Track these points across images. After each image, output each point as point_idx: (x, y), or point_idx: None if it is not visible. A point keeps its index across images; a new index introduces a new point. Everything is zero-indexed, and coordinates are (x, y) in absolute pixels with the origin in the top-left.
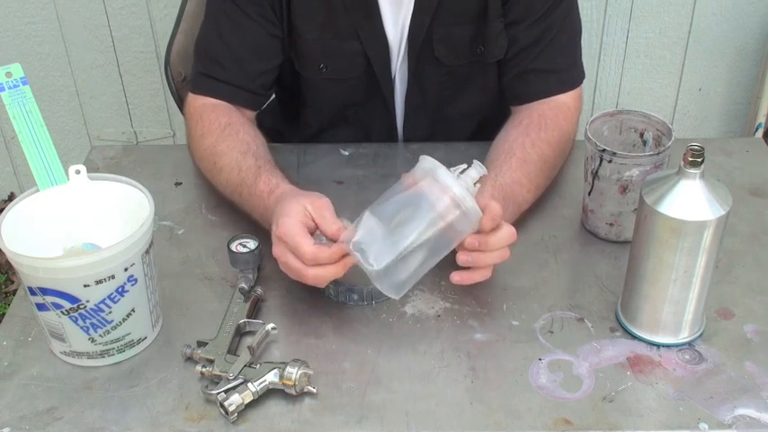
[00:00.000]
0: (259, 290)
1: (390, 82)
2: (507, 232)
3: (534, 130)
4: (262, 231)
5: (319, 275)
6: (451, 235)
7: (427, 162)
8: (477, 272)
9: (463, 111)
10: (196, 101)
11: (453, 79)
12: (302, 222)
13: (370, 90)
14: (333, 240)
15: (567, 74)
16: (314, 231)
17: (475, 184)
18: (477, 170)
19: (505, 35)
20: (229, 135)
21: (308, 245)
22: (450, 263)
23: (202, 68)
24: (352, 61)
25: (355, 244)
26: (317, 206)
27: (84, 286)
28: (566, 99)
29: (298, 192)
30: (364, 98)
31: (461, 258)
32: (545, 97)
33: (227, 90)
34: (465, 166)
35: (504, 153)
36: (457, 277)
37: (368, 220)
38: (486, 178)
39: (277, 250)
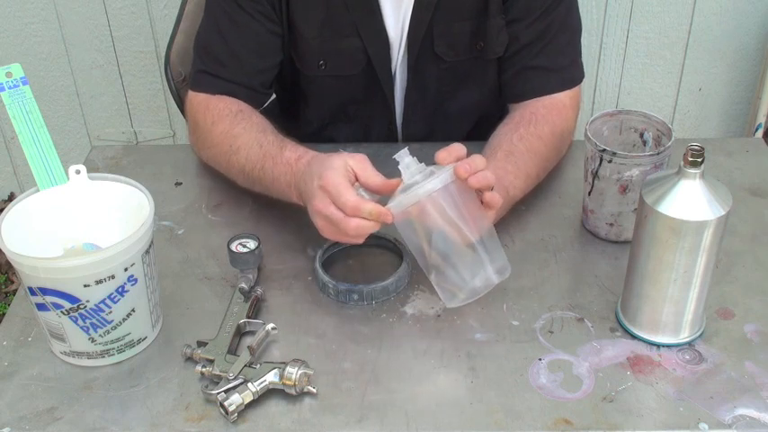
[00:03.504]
0: (259, 290)
1: (390, 78)
2: (478, 155)
3: (524, 125)
4: (262, 231)
5: (360, 226)
6: (457, 210)
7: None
8: (495, 194)
9: (462, 107)
10: (197, 96)
11: (453, 75)
12: (345, 176)
13: (371, 86)
14: (375, 192)
15: (567, 72)
16: (353, 185)
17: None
18: (403, 157)
19: (506, 32)
20: (243, 119)
21: (352, 194)
22: None
23: (202, 66)
24: (352, 58)
25: None
26: (357, 160)
27: (84, 286)
28: (561, 97)
29: (332, 153)
30: (364, 95)
31: (472, 182)
32: (544, 95)
33: (228, 87)
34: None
35: (491, 149)
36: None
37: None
38: None
39: (319, 203)
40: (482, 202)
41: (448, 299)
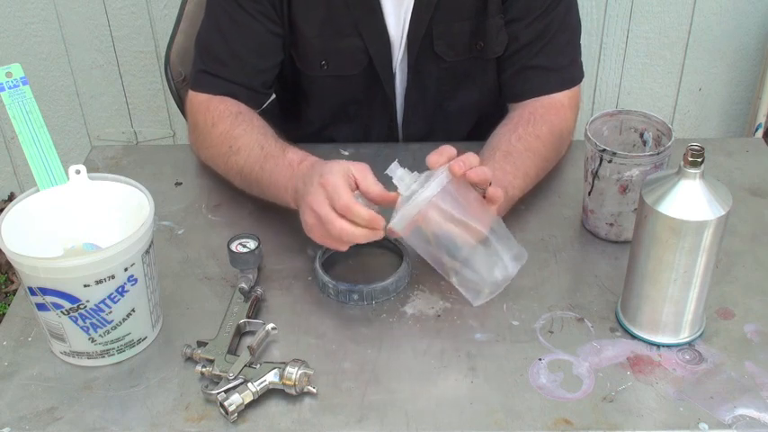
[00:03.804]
0: (259, 290)
1: (391, 78)
2: (470, 153)
3: (522, 125)
4: (262, 231)
5: (345, 229)
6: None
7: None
8: (496, 188)
9: (462, 107)
10: (198, 97)
11: (453, 75)
12: (345, 179)
13: (372, 86)
14: (373, 201)
15: (567, 72)
16: (353, 191)
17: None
18: (394, 171)
19: (505, 31)
20: (244, 121)
21: (347, 194)
22: None
23: (203, 66)
24: (353, 58)
25: None
26: (359, 168)
27: (84, 286)
28: (560, 97)
29: (334, 159)
30: (366, 95)
31: (472, 176)
32: (543, 95)
33: (229, 88)
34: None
35: (489, 150)
36: (492, 191)
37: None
38: None
39: (314, 199)
40: (484, 198)
41: (474, 297)
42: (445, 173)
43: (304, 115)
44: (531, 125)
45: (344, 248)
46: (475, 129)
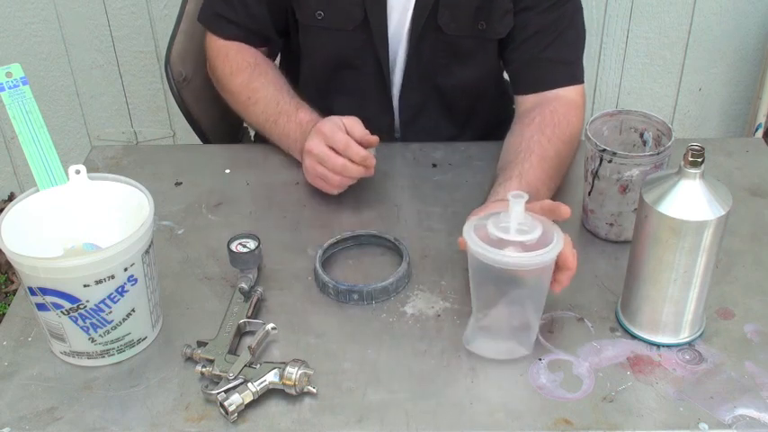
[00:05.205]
0: (259, 290)
1: (384, 38)
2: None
3: (549, 127)
4: (262, 231)
5: (346, 164)
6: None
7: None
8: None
9: (457, 85)
10: (216, 42)
11: (451, 50)
12: (338, 124)
13: (366, 47)
14: (357, 141)
15: (575, 68)
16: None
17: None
18: (517, 202)
19: (512, 16)
20: (260, 74)
21: (343, 135)
22: (449, 264)
23: (217, 9)
24: (348, 12)
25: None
26: (350, 118)
27: (84, 286)
28: (574, 96)
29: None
30: (359, 55)
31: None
32: (554, 87)
33: (240, 33)
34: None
35: (522, 151)
36: (558, 287)
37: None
38: (511, 177)
39: (311, 142)
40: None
41: (468, 340)
42: (552, 255)
43: (299, 80)
44: (558, 128)
45: (335, 190)
46: (471, 112)
